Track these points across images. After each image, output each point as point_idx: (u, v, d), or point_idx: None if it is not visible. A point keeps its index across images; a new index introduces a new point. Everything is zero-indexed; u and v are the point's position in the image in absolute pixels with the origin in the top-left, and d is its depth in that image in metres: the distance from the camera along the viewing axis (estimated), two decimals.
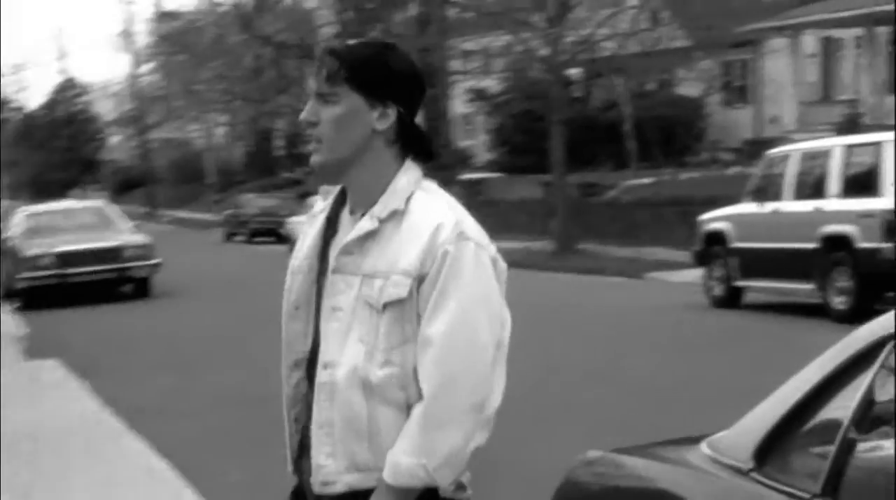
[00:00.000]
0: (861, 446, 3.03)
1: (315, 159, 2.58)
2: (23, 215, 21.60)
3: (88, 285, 19.53)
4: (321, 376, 2.52)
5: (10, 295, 20.17)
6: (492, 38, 35.00)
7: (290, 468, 2.68)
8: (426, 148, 2.61)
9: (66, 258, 19.41)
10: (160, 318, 16.68)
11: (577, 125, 31.59)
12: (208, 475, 7.32)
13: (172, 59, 60.49)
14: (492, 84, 44.24)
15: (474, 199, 35.09)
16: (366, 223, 2.53)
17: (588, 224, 27.29)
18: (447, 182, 38.86)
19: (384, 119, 2.55)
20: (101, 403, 9.81)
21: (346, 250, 2.54)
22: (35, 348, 13.72)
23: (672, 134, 33.40)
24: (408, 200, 2.54)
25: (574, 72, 37.39)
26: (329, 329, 2.53)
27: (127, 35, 66.40)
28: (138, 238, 20.34)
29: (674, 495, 3.49)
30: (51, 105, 78.40)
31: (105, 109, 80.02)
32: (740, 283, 15.12)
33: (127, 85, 67.26)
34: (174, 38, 60.36)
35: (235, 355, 12.60)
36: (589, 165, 30.68)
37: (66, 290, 19.40)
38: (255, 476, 7.02)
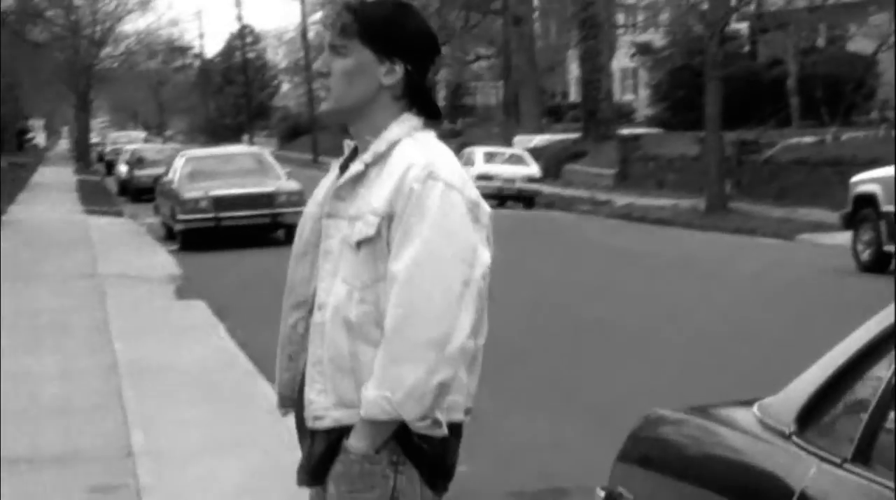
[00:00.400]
0: (893, 414, 3.04)
1: (323, 107, 2.70)
2: (183, 160, 22.28)
3: (242, 230, 20.11)
4: (315, 316, 2.63)
5: (170, 237, 20.98)
6: None
7: (276, 402, 2.80)
8: (431, 106, 2.69)
9: (221, 202, 20.00)
10: None
11: (739, 82, 30.94)
12: None
13: None
14: (655, 38, 43.60)
15: (630, 154, 34.81)
16: (354, 167, 2.64)
17: (743, 183, 26.79)
18: (604, 137, 38.68)
19: (391, 75, 2.63)
20: (235, 344, 10.19)
21: (337, 195, 2.65)
22: (186, 289, 14.26)
23: (839, 92, 32.39)
24: (393, 145, 2.62)
25: (739, 27, 36.58)
26: (323, 271, 2.63)
27: None
28: (291, 185, 20.81)
29: (718, 456, 3.55)
30: (227, 52, 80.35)
31: (278, 57, 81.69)
32: (889, 247, 14.72)
33: (297, 33, 68.40)
34: None
35: None
36: (749, 123, 30.03)
37: (221, 233, 20.02)
38: None
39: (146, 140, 60.92)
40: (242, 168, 21.43)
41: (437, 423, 2.51)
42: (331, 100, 2.67)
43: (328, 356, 2.58)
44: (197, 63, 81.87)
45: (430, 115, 2.69)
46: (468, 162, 31.30)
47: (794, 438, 3.33)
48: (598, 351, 10.00)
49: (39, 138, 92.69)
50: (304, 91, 67.04)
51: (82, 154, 62.64)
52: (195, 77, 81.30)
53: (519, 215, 27.27)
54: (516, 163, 31.42)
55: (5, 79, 51.38)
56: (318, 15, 67.15)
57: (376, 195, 2.57)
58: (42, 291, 13.51)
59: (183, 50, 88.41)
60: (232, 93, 74.81)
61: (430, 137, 2.66)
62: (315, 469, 2.62)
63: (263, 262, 17.69)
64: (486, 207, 2.64)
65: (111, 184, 43.52)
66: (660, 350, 9.92)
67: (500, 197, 30.29)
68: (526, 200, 30.50)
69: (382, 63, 2.63)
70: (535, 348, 10.14)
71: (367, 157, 2.63)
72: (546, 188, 32.96)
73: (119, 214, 28.43)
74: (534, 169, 31.39)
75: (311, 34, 63.39)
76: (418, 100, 2.67)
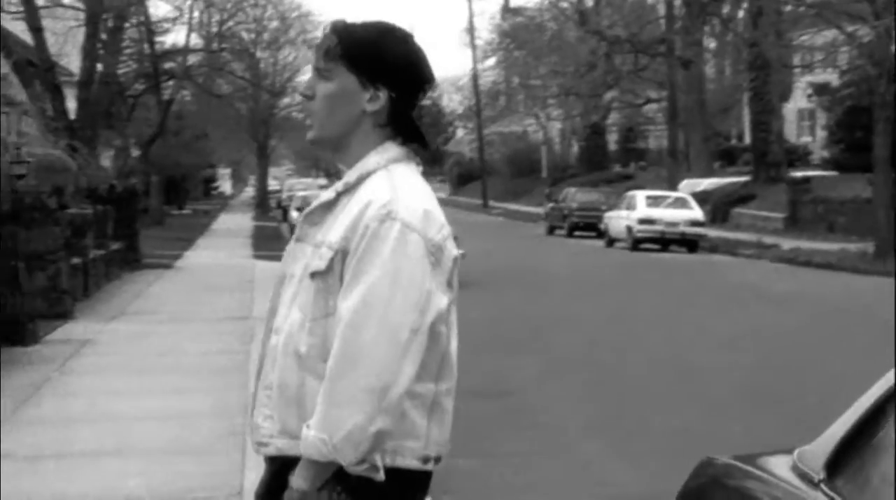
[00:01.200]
0: None
1: (309, 134, 2.66)
2: None
3: None
4: (271, 339, 2.59)
5: None
6: (831, 32, 33.67)
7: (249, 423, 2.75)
8: (416, 135, 2.63)
9: None
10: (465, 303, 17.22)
11: None
12: None
13: (511, 54, 61.89)
14: (832, 79, 42.58)
15: (800, 197, 33.98)
16: (325, 194, 2.60)
17: None
18: (774, 180, 37.88)
19: (374, 101, 2.58)
20: None
21: (309, 220, 2.61)
22: None
23: None
24: (365, 177, 2.56)
25: None
26: (284, 296, 2.60)
27: (471, 31, 68.29)
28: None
29: None
30: None
31: (453, 103, 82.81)
32: None
33: (469, 80, 69.28)
34: (515, 34, 61.70)
35: (531, 339, 12.96)
36: None
37: None
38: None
39: (322, 187, 62.41)
40: None
41: (374, 468, 2.44)
42: (315, 127, 2.63)
43: (276, 383, 2.55)
44: None
45: (418, 144, 2.64)
46: (630, 206, 31.09)
47: (823, 486, 3.25)
48: (723, 398, 9.79)
49: (225, 186, 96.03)
50: (475, 137, 67.78)
51: (261, 201, 64.57)
52: None
53: (680, 260, 26.92)
54: (680, 207, 31.03)
55: (192, 130, 53.54)
56: (490, 61, 67.96)
57: (334, 228, 2.53)
58: (194, 332, 13.95)
59: None
60: None
61: (406, 171, 2.59)
62: (263, 497, 2.60)
63: None
64: (451, 250, 2.55)
65: (286, 230, 44.75)
66: (796, 398, 9.64)
67: (663, 241, 29.96)
68: (689, 244, 30.07)
69: (366, 89, 2.57)
70: (665, 393, 9.99)
71: (338, 185, 2.59)
72: (712, 232, 32.45)
73: None
74: (697, 213, 30.94)
75: (482, 81, 64.04)
76: (403, 128, 2.62)
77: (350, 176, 2.58)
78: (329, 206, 2.59)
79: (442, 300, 2.50)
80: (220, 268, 24.10)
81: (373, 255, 2.45)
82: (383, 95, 2.58)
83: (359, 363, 2.40)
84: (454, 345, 2.59)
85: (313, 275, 2.51)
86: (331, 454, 2.41)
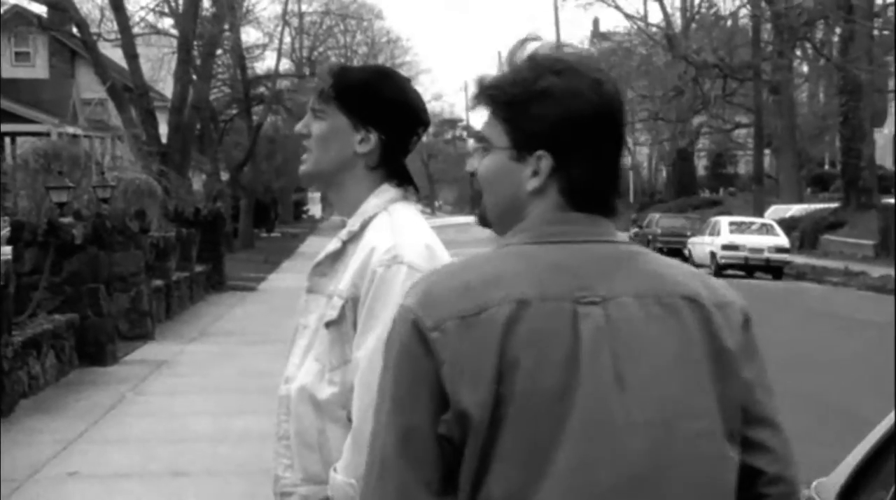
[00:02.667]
0: None
1: (301, 169, 2.71)
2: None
3: None
4: (281, 389, 2.62)
5: None
6: None
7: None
8: (407, 178, 2.67)
9: None
10: None
11: None
12: None
13: None
14: None
15: (892, 224, 33.35)
16: (331, 245, 2.64)
17: None
18: (865, 206, 37.23)
19: (365, 144, 2.62)
20: None
21: (319, 271, 2.65)
22: None
23: None
24: (367, 222, 2.60)
25: None
26: (296, 347, 2.64)
27: None
28: None
29: None
30: None
31: None
32: None
33: None
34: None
35: None
36: None
37: None
38: None
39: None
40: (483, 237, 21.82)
41: None
42: (309, 163, 2.68)
43: (294, 431, 2.58)
44: (465, 135, 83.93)
45: (411, 186, 2.67)
46: (714, 232, 30.82)
47: None
48: (799, 424, 9.69)
49: (315, 210, 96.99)
50: None
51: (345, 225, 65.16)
52: (462, 149, 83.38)
53: (763, 286, 26.58)
54: (765, 233, 30.68)
55: (282, 154, 54.26)
56: None
57: (343, 277, 2.55)
58: (272, 353, 14.15)
59: (452, 122, 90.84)
60: None
61: (406, 211, 2.62)
62: None
63: None
64: None
65: None
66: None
67: (747, 267, 29.62)
68: (774, 270, 29.70)
69: (357, 131, 2.62)
70: None
71: (343, 234, 2.63)
72: (799, 259, 32.01)
73: None
74: (783, 239, 30.56)
75: None
76: (396, 171, 2.65)
77: (353, 224, 2.62)
78: (336, 255, 2.62)
79: None
80: (302, 291, 24.35)
81: (383, 300, 2.47)
82: (374, 138, 2.61)
83: None
84: None
85: (328, 325, 2.55)
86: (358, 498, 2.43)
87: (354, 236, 2.61)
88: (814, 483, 3.58)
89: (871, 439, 3.29)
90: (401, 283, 2.47)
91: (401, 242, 2.54)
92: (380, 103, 2.62)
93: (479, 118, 1.92)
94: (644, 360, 1.76)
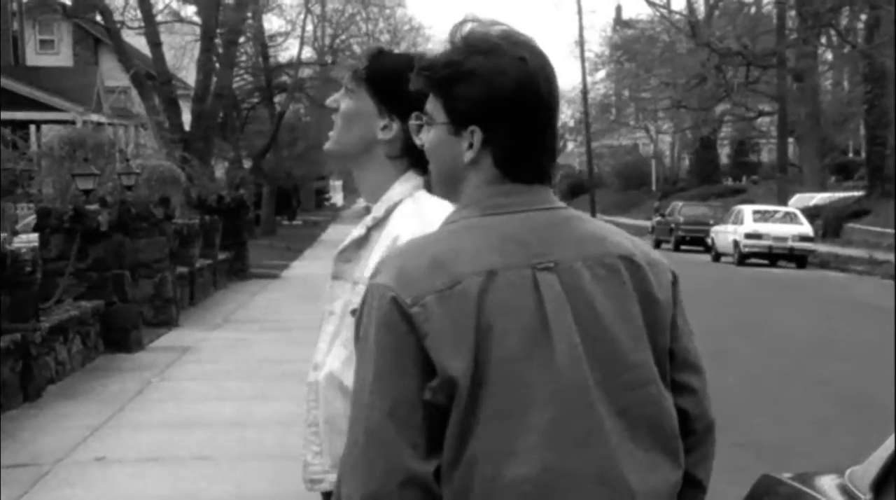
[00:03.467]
0: None
1: (326, 146, 2.71)
2: None
3: None
4: (310, 376, 2.62)
5: None
6: None
7: None
8: (427, 169, 2.59)
9: None
10: None
11: None
12: None
13: (622, 67, 61.59)
14: None
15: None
16: (356, 231, 2.63)
17: None
18: (889, 194, 36.99)
19: (387, 131, 2.61)
20: None
21: (343, 257, 2.64)
22: None
23: None
24: (392, 208, 2.59)
25: None
26: (324, 333, 2.63)
27: (581, 43, 68.17)
28: None
29: None
30: None
31: (565, 116, 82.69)
32: None
33: (578, 92, 69.12)
34: (626, 46, 61.39)
35: None
36: None
37: None
38: None
39: None
40: None
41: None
42: (332, 140, 2.68)
43: (324, 417, 2.58)
44: None
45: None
46: (737, 220, 30.71)
47: None
48: (820, 412, 9.67)
49: (337, 197, 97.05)
50: (585, 150, 67.52)
51: (368, 212, 65.20)
52: None
53: (786, 275, 26.51)
54: (788, 221, 30.56)
55: (305, 142, 54.34)
56: (600, 74, 67.68)
57: (368, 264, 2.52)
58: (294, 340, 14.16)
59: None
60: None
61: (432, 199, 2.58)
62: None
63: None
64: None
65: None
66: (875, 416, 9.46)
67: (771, 256, 29.53)
68: (798, 259, 29.59)
69: (382, 117, 2.61)
70: (750, 404, 9.90)
71: (368, 220, 2.62)
72: (823, 248, 31.88)
73: None
74: (806, 228, 30.42)
75: (592, 93, 63.78)
76: (419, 161, 2.58)
77: (378, 210, 2.61)
78: (361, 242, 2.62)
79: None
80: (325, 278, 24.27)
81: None
82: (396, 126, 2.60)
83: None
84: None
85: (353, 312, 2.47)
86: None
87: (379, 223, 2.61)
88: (847, 472, 3.57)
89: None
90: None
91: (426, 230, 2.45)
92: (406, 92, 2.50)
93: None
94: (597, 319, 1.96)
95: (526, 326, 1.91)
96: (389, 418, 1.87)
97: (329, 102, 2.71)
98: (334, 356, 2.58)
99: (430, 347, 1.88)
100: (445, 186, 2.10)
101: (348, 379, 2.44)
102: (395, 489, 1.86)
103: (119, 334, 12.84)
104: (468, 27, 2.05)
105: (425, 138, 2.10)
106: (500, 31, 2.04)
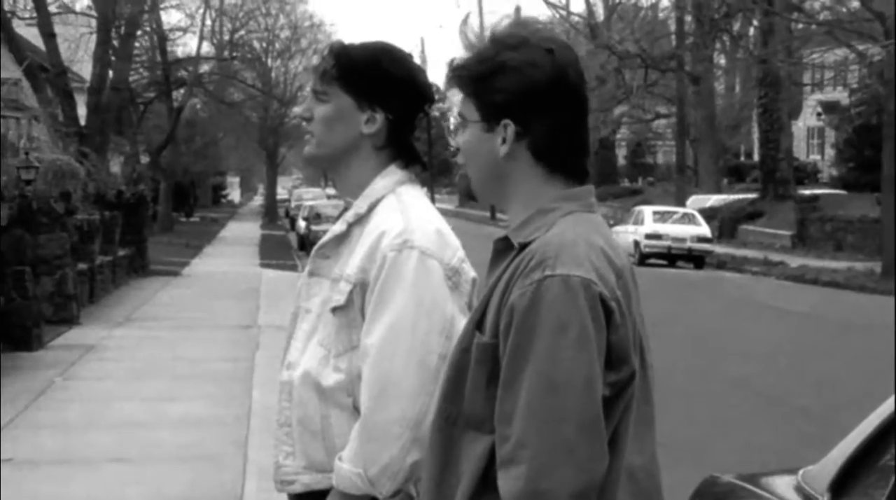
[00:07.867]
0: None
1: (306, 151, 2.63)
2: None
3: None
4: (283, 375, 2.55)
5: None
6: (841, 51, 33.71)
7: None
8: (416, 157, 2.60)
9: None
10: None
11: None
12: None
13: None
14: (842, 97, 42.57)
15: (808, 215, 33.95)
16: (337, 227, 2.56)
17: None
18: (782, 197, 37.83)
19: (371, 124, 2.54)
20: None
21: (321, 254, 2.57)
22: None
23: None
24: (374, 204, 2.53)
25: None
26: (299, 331, 2.55)
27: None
28: None
29: None
30: None
31: None
32: None
33: None
34: None
35: None
36: None
37: None
38: None
39: (330, 197, 62.40)
40: None
41: (408, 497, 2.41)
42: (314, 145, 2.59)
43: (297, 417, 2.51)
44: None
45: (418, 165, 2.61)
46: (637, 221, 31.07)
47: None
48: (728, 411, 9.78)
49: (234, 194, 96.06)
50: None
51: (269, 210, 64.61)
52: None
53: (685, 275, 26.88)
54: (687, 222, 31.01)
55: (203, 138, 53.61)
56: None
57: (350, 261, 2.48)
58: (199, 339, 13.97)
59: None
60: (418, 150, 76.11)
61: (414, 194, 2.56)
62: None
63: None
64: (468, 272, 2.49)
65: (293, 239, 44.77)
66: (797, 415, 9.62)
67: (670, 257, 29.94)
68: (696, 260, 30.05)
69: (363, 111, 2.54)
70: (666, 407, 9.97)
71: (349, 216, 2.55)
72: (719, 249, 32.40)
73: (293, 267, 29.20)
74: (705, 229, 30.91)
75: None
76: (403, 151, 2.58)
77: (360, 206, 2.54)
78: (341, 238, 2.55)
79: (462, 324, 2.43)
80: (226, 276, 24.13)
81: (394, 285, 2.40)
82: (380, 117, 2.54)
83: (392, 395, 2.36)
84: None
85: (334, 310, 2.47)
86: (366, 488, 2.39)
87: (361, 219, 2.54)
88: (800, 472, 3.55)
89: (864, 430, 3.26)
90: (412, 268, 2.41)
91: (411, 226, 2.47)
92: (385, 82, 2.55)
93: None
94: (642, 321, 2.10)
95: (639, 325, 2.06)
96: (599, 410, 1.91)
97: (300, 112, 2.65)
98: (310, 356, 2.50)
99: (618, 342, 1.95)
100: (486, 185, 2.11)
101: (326, 379, 2.46)
102: (599, 480, 1.92)
103: (20, 332, 12.48)
104: (473, 22, 2.12)
105: (461, 140, 2.11)
106: (526, 28, 2.08)
